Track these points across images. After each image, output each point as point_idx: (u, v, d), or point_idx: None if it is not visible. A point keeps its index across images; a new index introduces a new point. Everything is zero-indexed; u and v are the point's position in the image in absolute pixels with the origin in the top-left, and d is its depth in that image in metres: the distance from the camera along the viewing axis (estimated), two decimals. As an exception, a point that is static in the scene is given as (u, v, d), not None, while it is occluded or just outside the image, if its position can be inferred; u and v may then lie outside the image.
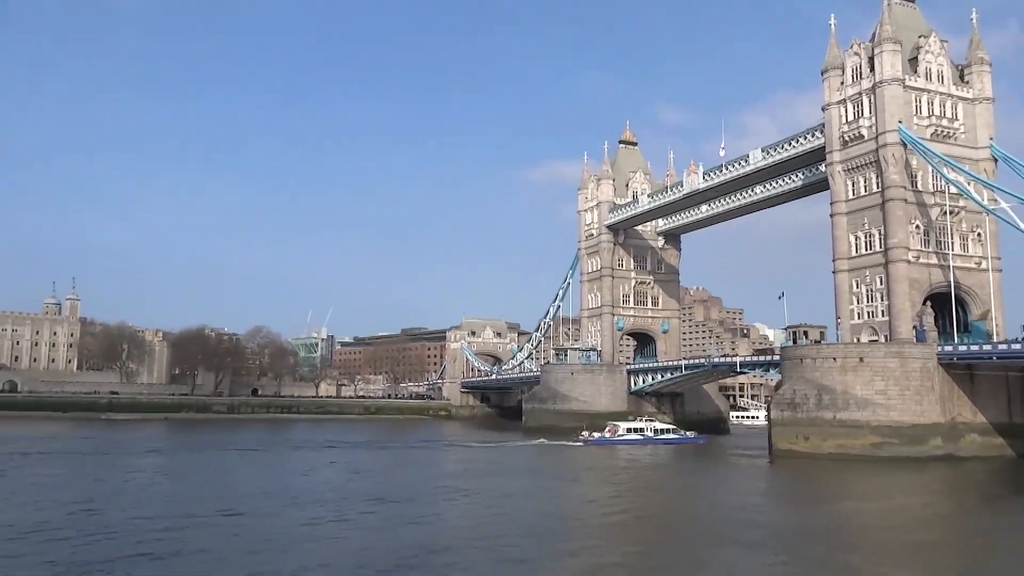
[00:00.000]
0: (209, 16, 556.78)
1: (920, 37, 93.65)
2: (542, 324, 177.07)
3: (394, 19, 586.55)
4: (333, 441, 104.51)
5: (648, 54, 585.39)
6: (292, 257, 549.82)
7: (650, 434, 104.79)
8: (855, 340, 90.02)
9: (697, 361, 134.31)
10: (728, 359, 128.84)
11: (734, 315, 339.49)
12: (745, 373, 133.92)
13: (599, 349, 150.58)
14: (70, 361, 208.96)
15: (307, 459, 79.60)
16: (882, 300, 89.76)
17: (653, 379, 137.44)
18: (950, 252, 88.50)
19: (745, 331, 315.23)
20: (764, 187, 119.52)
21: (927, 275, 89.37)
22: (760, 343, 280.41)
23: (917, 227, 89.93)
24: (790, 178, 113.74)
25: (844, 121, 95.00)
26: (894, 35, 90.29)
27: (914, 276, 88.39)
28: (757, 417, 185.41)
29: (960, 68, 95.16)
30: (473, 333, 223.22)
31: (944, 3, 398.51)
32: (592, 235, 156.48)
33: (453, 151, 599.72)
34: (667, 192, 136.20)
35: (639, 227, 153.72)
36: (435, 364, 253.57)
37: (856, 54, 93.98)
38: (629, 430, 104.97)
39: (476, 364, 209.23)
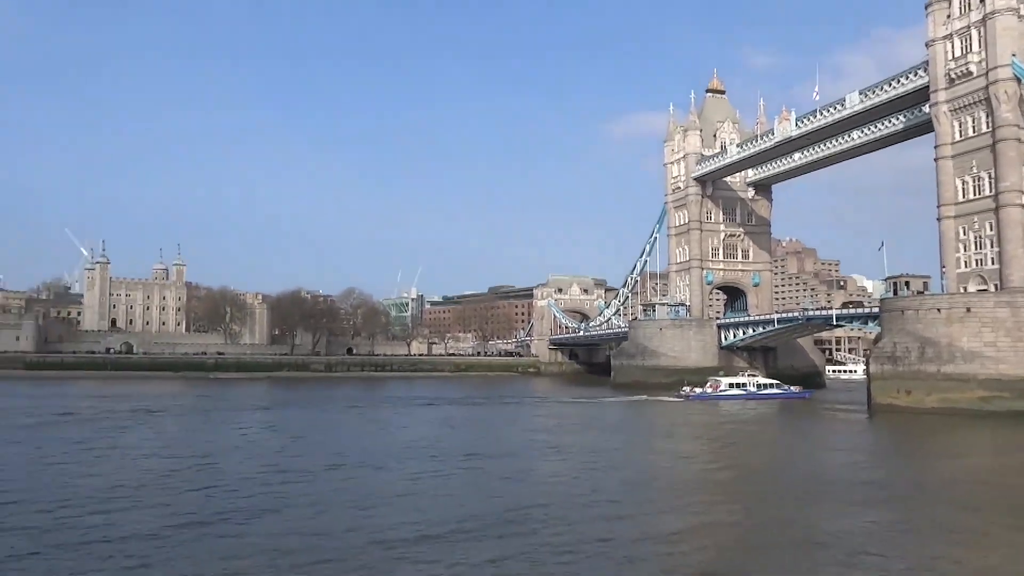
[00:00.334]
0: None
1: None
2: (629, 280, 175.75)
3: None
4: (426, 398, 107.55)
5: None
6: (381, 219, 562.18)
7: (753, 389, 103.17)
8: (961, 290, 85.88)
9: (790, 315, 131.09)
10: (823, 312, 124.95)
11: (829, 267, 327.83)
12: (842, 326, 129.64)
13: (688, 304, 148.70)
14: (179, 324, 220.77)
15: (403, 415, 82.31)
16: (992, 247, 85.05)
17: (744, 334, 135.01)
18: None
19: (842, 283, 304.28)
20: (862, 132, 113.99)
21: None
22: (858, 295, 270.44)
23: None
24: (890, 121, 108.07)
25: (950, 57, 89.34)
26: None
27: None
28: (855, 371, 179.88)
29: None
30: (560, 290, 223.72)
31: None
32: (679, 188, 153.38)
33: (536, 107, 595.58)
34: (757, 141, 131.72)
35: (728, 178, 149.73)
36: (523, 321, 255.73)
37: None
38: (731, 385, 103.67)
39: (563, 321, 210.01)
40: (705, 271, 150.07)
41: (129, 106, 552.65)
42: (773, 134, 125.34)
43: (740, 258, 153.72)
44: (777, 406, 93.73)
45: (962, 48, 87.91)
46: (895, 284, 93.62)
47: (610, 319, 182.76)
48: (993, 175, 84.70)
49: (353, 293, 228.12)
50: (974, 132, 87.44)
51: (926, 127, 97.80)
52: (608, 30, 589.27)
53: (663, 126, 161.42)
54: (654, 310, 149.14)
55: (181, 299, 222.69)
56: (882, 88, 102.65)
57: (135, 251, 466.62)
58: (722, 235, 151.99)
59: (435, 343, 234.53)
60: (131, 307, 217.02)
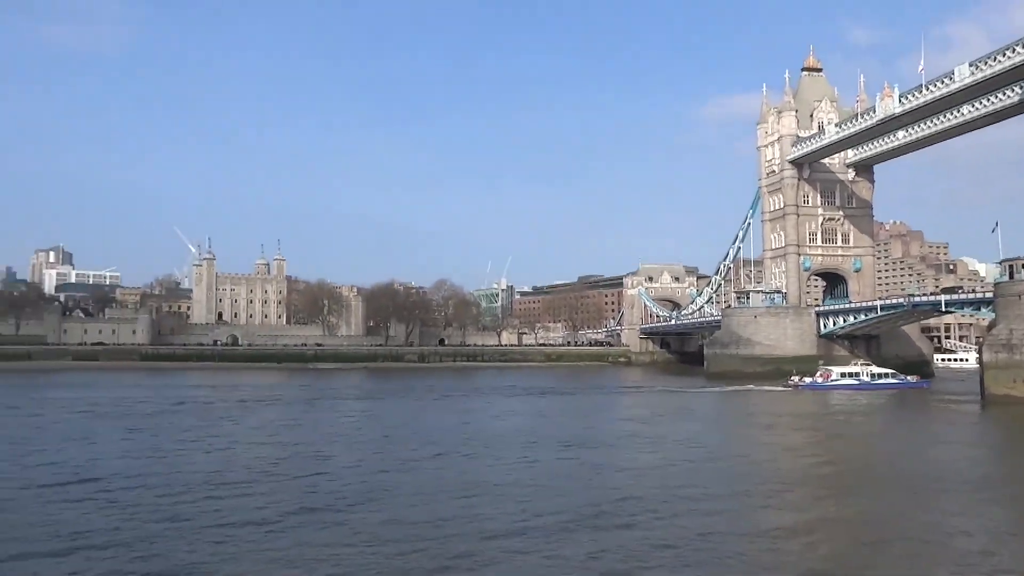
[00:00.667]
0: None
1: None
2: (721, 267, 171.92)
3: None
4: (518, 388, 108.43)
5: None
6: (471, 212, 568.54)
7: (866, 379, 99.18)
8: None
9: (895, 301, 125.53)
10: (930, 298, 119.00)
11: (937, 250, 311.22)
12: (951, 312, 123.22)
13: (784, 291, 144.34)
14: (280, 316, 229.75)
15: (496, 405, 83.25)
16: (1122, 226, 78.95)
17: (845, 321, 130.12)
18: None
19: (951, 266, 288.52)
20: (972, 107, 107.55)
21: None
22: (969, 279, 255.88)
23: None
24: (1004, 94, 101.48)
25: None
26: None
27: None
28: (966, 360, 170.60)
29: None
30: (650, 279, 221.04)
31: None
32: (773, 171, 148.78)
33: (622, 94, 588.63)
34: (857, 120, 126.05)
35: (826, 160, 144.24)
36: (613, 311, 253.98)
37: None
38: (843, 374, 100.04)
39: (654, 310, 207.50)
40: (802, 257, 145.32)
41: (230, 109, 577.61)
42: (874, 112, 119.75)
43: (840, 243, 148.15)
44: (890, 397, 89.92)
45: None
46: (1011, 267, 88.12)
47: (702, 307, 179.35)
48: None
49: (444, 285, 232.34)
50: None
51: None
52: (697, 11, 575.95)
53: (756, 108, 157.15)
54: (748, 298, 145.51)
55: (282, 292, 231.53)
56: (995, 59, 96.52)
57: (239, 247, 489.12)
58: (820, 219, 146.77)
59: (525, 333, 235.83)
60: (235, 301, 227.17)
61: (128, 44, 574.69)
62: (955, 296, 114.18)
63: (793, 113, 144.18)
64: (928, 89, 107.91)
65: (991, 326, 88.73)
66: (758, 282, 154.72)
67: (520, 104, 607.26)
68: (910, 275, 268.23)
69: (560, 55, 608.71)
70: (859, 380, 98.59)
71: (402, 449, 48.09)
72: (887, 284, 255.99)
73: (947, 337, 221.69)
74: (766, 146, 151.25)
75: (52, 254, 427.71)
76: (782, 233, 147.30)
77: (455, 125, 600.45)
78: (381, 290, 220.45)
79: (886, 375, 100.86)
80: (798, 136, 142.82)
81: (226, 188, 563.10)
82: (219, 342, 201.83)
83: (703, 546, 25.61)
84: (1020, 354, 77.53)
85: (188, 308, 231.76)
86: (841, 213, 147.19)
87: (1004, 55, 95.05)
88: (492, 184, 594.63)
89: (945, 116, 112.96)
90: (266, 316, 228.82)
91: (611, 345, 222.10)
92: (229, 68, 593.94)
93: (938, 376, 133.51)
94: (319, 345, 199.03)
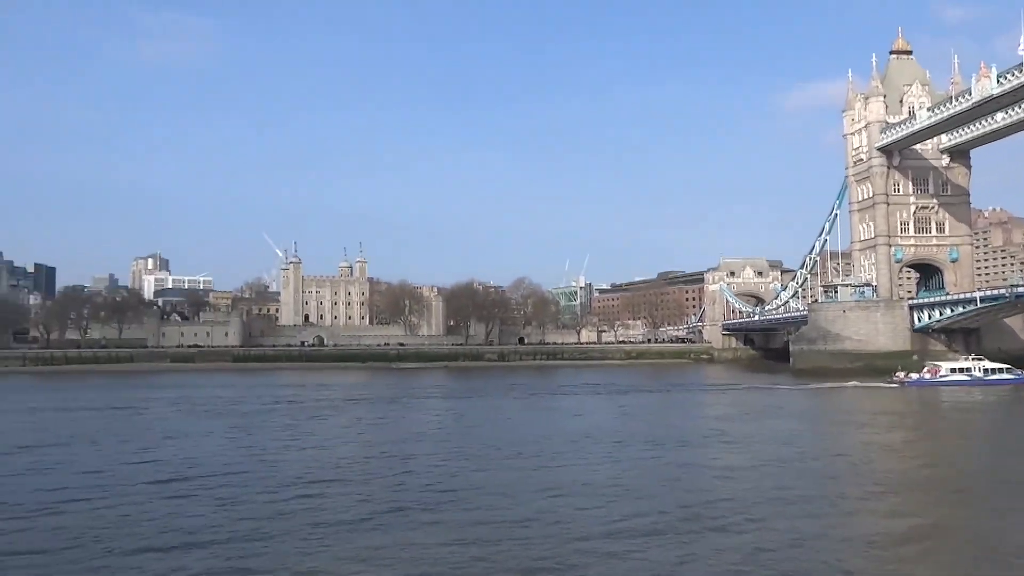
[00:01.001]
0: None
1: None
2: (807, 260, 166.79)
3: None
4: (599, 386, 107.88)
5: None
6: (549, 210, 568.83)
7: (979, 374, 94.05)
8: None
9: (996, 292, 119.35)
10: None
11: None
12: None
13: (874, 284, 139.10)
14: (363, 317, 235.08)
15: (579, 403, 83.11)
16: None
17: (940, 314, 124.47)
18: None
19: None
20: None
21: None
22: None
23: None
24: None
25: None
26: None
27: None
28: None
29: None
30: (732, 273, 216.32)
31: None
32: (861, 160, 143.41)
33: (702, 86, 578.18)
34: (952, 103, 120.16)
35: (917, 146, 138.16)
36: (694, 307, 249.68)
37: None
38: (953, 370, 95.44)
39: (737, 305, 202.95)
40: (893, 248, 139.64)
41: (311, 117, 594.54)
42: (970, 94, 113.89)
43: (934, 232, 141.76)
44: (1005, 393, 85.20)
45: None
46: None
47: (787, 302, 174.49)
48: None
49: (523, 283, 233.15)
50: None
51: None
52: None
53: (840, 95, 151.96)
54: (836, 291, 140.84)
55: (364, 294, 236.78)
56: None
57: (323, 250, 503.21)
58: (912, 208, 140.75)
59: (604, 331, 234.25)
60: (321, 303, 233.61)
61: (215, 59, 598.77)
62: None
63: (881, 99, 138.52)
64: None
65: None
66: (846, 275, 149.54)
67: (596, 100, 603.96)
68: (1012, 264, 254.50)
69: (636, 49, 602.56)
70: (971, 376, 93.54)
71: (487, 448, 48.56)
72: (987, 274, 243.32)
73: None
74: (853, 134, 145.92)
75: (150, 261, 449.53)
76: (871, 224, 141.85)
77: (531, 123, 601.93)
78: (461, 290, 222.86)
79: (1001, 370, 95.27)
80: (887, 122, 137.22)
81: (310, 193, 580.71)
82: (306, 343, 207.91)
83: (798, 553, 24.72)
84: None
85: (276, 310, 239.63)
86: (935, 201, 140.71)
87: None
88: (569, 182, 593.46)
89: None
90: (350, 317, 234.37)
91: (692, 342, 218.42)
92: (308, 78, 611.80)
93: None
94: (401, 345, 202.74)
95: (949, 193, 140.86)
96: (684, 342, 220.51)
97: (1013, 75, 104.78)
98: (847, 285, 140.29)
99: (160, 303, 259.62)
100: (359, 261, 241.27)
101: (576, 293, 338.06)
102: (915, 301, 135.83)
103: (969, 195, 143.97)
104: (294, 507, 31.58)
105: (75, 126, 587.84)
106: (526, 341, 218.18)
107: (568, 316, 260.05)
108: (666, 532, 27.14)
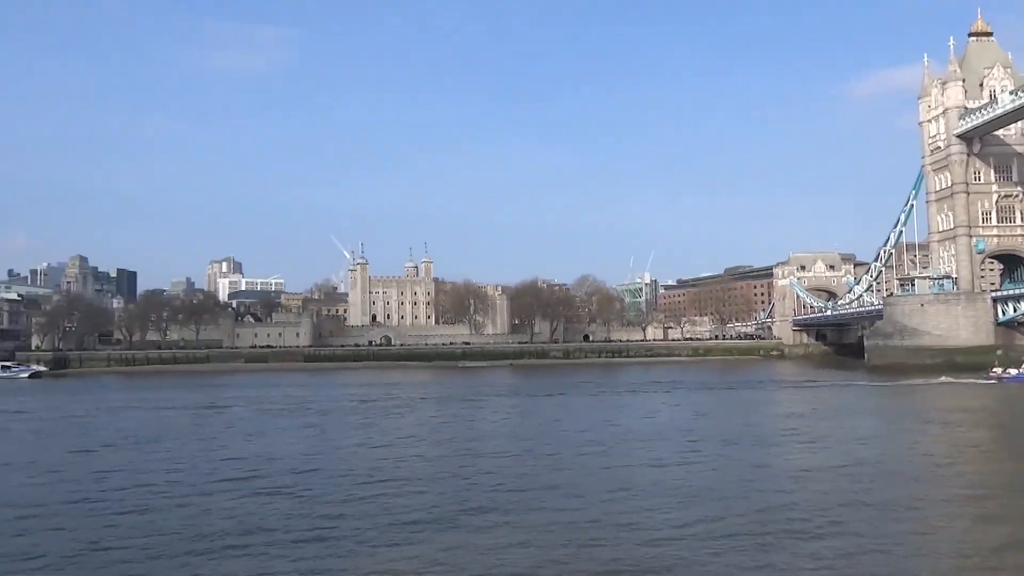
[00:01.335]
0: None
1: None
2: (882, 253, 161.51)
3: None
4: (667, 383, 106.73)
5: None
6: (610, 206, 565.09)
7: None
8: None
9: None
10: None
11: None
12: None
13: (954, 276, 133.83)
14: (429, 316, 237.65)
15: (647, 401, 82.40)
16: None
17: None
18: None
19: None
20: None
21: None
22: None
23: None
24: None
25: None
26: None
27: None
28: None
29: None
30: (802, 267, 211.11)
31: None
32: (939, 148, 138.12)
33: (770, 75, 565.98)
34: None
35: (1000, 132, 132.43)
36: (762, 303, 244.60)
37: None
38: None
39: (808, 300, 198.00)
40: (975, 239, 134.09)
41: (373, 120, 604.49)
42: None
43: (1019, 221, 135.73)
44: None
45: None
46: None
47: (861, 296, 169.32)
48: None
49: (587, 281, 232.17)
50: None
51: None
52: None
53: (915, 81, 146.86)
54: (913, 284, 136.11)
55: (430, 293, 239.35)
56: None
57: (389, 251, 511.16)
58: (995, 196, 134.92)
59: (671, 328, 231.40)
60: (387, 303, 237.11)
61: (280, 67, 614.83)
62: None
63: (960, 83, 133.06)
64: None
65: None
66: (924, 267, 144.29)
67: (658, 93, 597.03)
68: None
69: (700, 37, 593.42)
70: None
71: (556, 446, 48.54)
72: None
73: None
74: (929, 121, 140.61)
75: (225, 264, 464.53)
76: (950, 214, 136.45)
77: (594, 117, 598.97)
78: (525, 288, 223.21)
79: None
80: (966, 108, 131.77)
81: (375, 195, 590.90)
82: (373, 342, 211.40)
83: (882, 560, 23.79)
84: None
85: (345, 311, 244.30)
86: (1020, 189, 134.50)
87: None
88: (632, 176, 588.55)
89: None
90: (416, 317, 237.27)
91: (761, 338, 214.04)
92: (371, 82, 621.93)
93: None
94: (466, 344, 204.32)
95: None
96: (753, 338, 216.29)
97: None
98: (925, 278, 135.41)
99: (234, 305, 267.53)
100: (424, 261, 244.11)
101: (641, 290, 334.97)
102: (999, 293, 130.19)
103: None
104: (368, 506, 32.16)
105: (151, 136, 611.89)
106: (591, 339, 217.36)
107: (633, 313, 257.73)
108: (741, 536, 26.47)
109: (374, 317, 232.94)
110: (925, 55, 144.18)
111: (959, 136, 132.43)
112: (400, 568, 23.88)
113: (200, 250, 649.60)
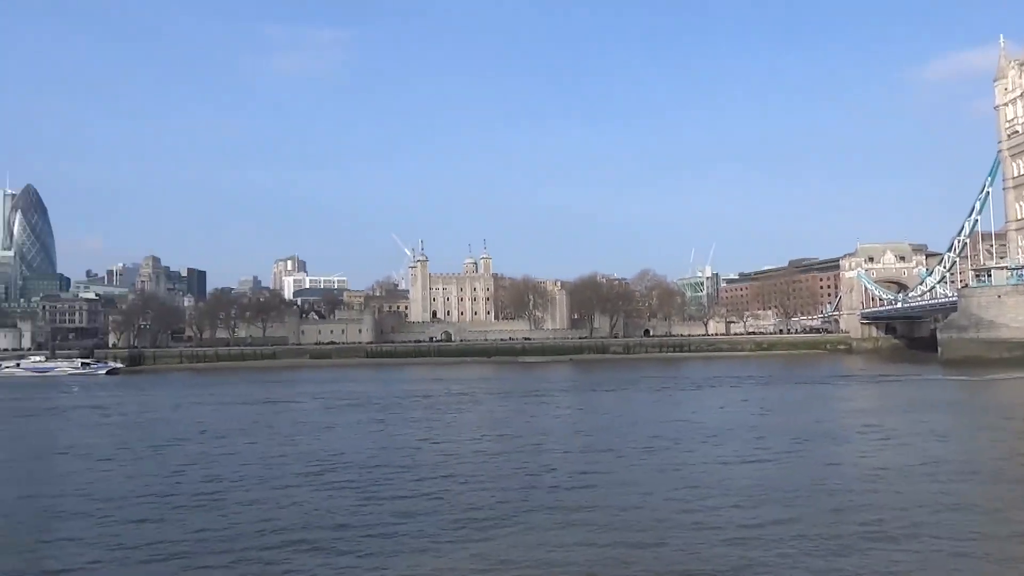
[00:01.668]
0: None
1: None
2: (955, 243, 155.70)
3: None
4: (731, 378, 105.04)
5: None
6: (670, 198, 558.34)
7: None
8: None
9: None
10: None
11: None
12: None
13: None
14: (488, 312, 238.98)
15: (711, 396, 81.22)
16: None
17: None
18: None
19: None
20: None
21: None
22: None
23: None
24: None
25: None
26: None
27: None
28: None
29: None
30: (871, 259, 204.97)
31: None
32: (1016, 132, 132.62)
33: (832, 57, 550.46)
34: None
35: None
36: (829, 295, 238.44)
37: None
38: None
39: (876, 292, 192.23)
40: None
41: (431, 117, 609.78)
42: None
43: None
44: None
45: None
46: None
47: (934, 288, 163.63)
48: None
49: (647, 275, 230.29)
50: None
51: None
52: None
53: (991, 63, 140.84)
54: (990, 275, 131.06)
55: (489, 289, 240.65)
56: None
57: (448, 248, 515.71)
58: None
59: (733, 322, 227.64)
60: (447, 299, 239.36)
61: (338, 68, 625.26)
62: None
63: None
64: None
65: None
66: (1001, 257, 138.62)
67: (718, 83, 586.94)
68: None
69: (764, 19, 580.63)
70: None
71: (621, 443, 48.10)
72: None
73: None
74: (1006, 104, 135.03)
75: (289, 263, 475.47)
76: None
77: (652, 111, 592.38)
78: (584, 283, 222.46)
79: None
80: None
81: (435, 192, 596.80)
82: (434, 338, 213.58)
83: (963, 565, 22.90)
84: None
85: (406, 307, 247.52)
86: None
87: None
88: (692, 168, 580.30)
89: None
90: (475, 312, 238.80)
91: (828, 332, 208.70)
92: (429, 80, 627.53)
93: None
94: (526, 339, 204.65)
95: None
96: (819, 332, 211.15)
97: None
98: (1002, 268, 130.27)
99: (299, 302, 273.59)
100: (483, 257, 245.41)
101: (702, 283, 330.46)
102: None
103: None
104: (433, 503, 32.42)
105: (219, 139, 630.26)
106: (651, 333, 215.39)
107: (694, 307, 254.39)
108: (813, 539, 25.68)
109: (434, 313, 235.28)
110: (1001, 36, 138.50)
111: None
112: (465, 567, 23.93)
113: (266, 249, 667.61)
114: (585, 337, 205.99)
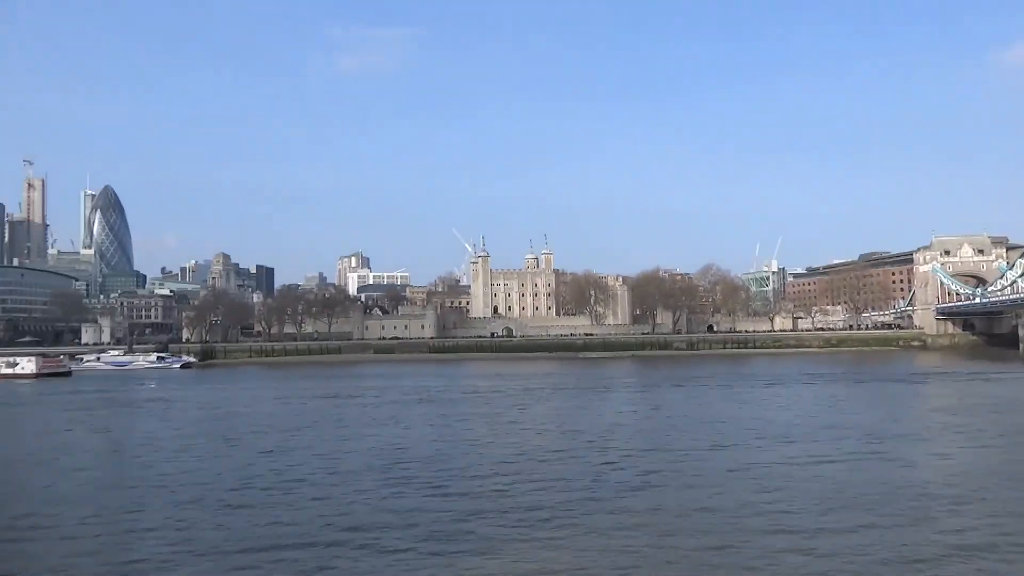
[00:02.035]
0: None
1: None
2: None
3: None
4: (800, 375, 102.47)
5: None
6: (734, 189, 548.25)
7: None
8: None
9: None
10: None
11: None
12: None
13: None
14: (549, 308, 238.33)
15: (780, 393, 79.29)
16: None
17: None
18: None
19: None
20: None
21: None
22: None
23: None
24: None
25: None
26: None
27: None
28: None
29: None
30: (947, 252, 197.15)
31: None
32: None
33: (906, 41, 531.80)
34: None
35: None
36: (902, 290, 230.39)
37: None
38: None
39: (953, 287, 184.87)
40: None
41: (493, 114, 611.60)
42: None
43: None
44: None
45: None
46: None
47: (1015, 282, 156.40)
48: None
49: (711, 269, 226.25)
50: None
51: None
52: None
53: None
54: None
55: (550, 285, 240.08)
56: None
57: (509, 243, 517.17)
58: None
59: (800, 317, 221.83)
60: (508, 295, 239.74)
61: (404, 67, 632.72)
62: None
63: None
64: None
65: None
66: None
67: (786, 71, 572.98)
68: None
69: (834, 12, 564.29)
70: None
71: (689, 441, 47.41)
72: None
73: None
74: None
75: (353, 260, 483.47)
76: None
77: (717, 104, 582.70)
78: (646, 278, 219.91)
79: None
80: None
81: (496, 188, 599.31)
82: (495, 334, 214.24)
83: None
84: None
85: (467, 303, 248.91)
86: None
87: None
88: (756, 160, 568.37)
89: None
90: (537, 308, 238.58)
91: (901, 328, 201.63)
92: (491, 77, 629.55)
93: None
94: (588, 335, 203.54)
95: None
96: (891, 328, 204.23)
97: None
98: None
99: (363, 298, 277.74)
100: (545, 253, 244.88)
101: (768, 278, 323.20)
102: None
103: None
104: (498, 501, 32.43)
105: (286, 138, 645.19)
106: (715, 329, 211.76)
107: (760, 302, 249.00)
108: (889, 548, 24.68)
109: (495, 309, 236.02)
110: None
111: None
112: (532, 569, 23.83)
113: (331, 246, 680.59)
114: (647, 333, 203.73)
